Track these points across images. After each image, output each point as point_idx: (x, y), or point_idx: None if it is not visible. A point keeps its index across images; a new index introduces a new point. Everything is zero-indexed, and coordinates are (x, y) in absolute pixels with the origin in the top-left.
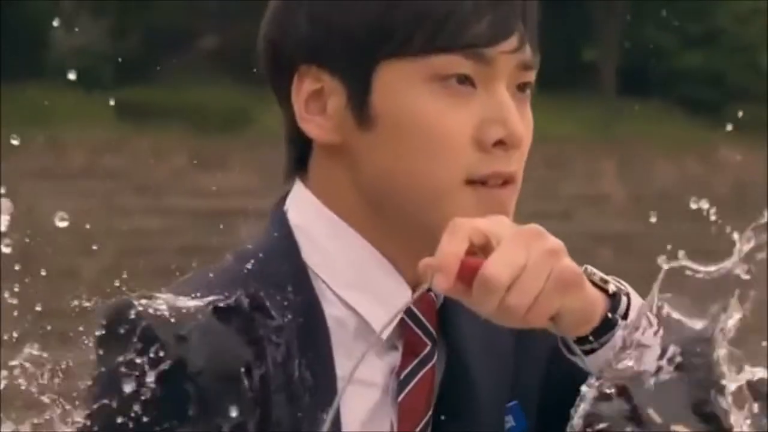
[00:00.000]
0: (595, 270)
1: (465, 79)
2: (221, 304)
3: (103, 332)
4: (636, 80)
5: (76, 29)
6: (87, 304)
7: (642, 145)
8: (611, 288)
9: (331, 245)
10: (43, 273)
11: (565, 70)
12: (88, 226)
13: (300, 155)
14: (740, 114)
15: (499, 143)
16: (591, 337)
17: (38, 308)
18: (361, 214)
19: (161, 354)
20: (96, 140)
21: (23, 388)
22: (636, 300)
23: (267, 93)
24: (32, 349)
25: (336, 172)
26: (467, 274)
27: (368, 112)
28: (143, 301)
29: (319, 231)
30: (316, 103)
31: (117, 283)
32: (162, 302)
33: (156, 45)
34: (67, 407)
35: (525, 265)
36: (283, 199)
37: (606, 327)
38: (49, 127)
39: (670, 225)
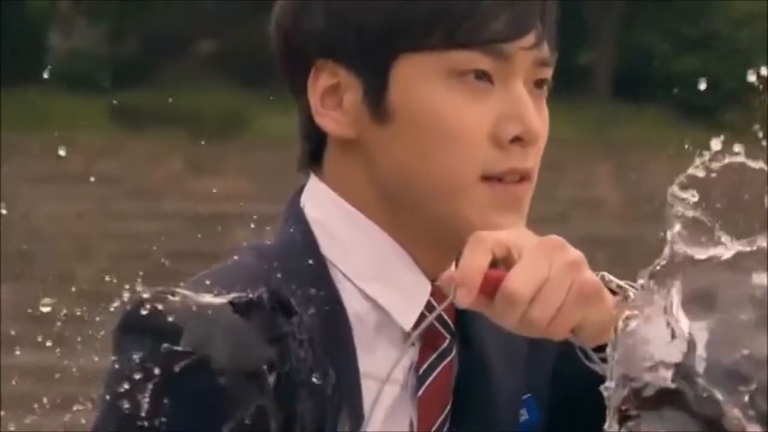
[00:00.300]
0: (611, 277)
1: (483, 75)
2: (243, 301)
3: (124, 327)
4: (632, 84)
5: (74, 33)
6: (82, 307)
7: (638, 148)
8: (629, 295)
9: (350, 238)
10: (39, 276)
11: (560, 74)
12: (83, 230)
13: (315, 150)
14: (736, 118)
15: (516, 139)
16: (609, 345)
17: (32, 311)
18: (377, 207)
19: (184, 350)
20: (92, 144)
21: (18, 389)
22: None
23: (263, 98)
24: (27, 351)
25: (351, 167)
26: (490, 287)
27: (385, 107)
28: (166, 297)
29: (338, 224)
30: (333, 97)
31: (112, 287)
32: (184, 298)
33: (153, 49)
34: (60, 410)
35: (547, 277)
36: (298, 194)
37: None
38: (45, 131)
39: (665, 229)
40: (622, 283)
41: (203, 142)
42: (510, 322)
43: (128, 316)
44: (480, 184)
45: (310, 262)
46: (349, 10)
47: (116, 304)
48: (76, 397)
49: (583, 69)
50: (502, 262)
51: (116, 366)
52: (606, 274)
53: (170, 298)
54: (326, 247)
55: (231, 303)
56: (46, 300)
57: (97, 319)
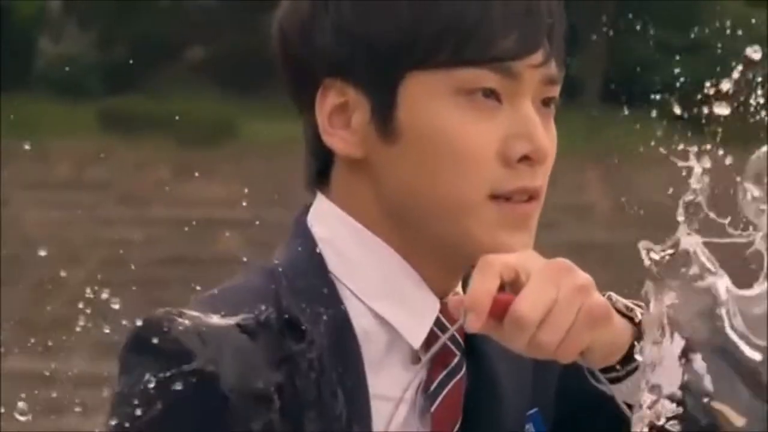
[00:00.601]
0: (618, 297)
1: (491, 93)
2: (250, 322)
3: (131, 348)
4: (621, 91)
5: (63, 39)
6: (69, 312)
7: (626, 155)
8: (636, 315)
9: (358, 255)
10: (27, 282)
11: None
12: (72, 235)
13: (322, 168)
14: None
15: (525, 158)
16: (617, 366)
17: (22, 316)
18: (385, 225)
19: (191, 372)
20: (81, 150)
21: (7, 394)
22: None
23: (252, 105)
24: (17, 356)
25: (359, 186)
26: (498, 310)
27: (393, 126)
28: (173, 318)
29: (345, 242)
30: (341, 116)
31: (101, 292)
32: (192, 319)
33: (142, 56)
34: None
35: (555, 301)
36: (304, 212)
37: (632, 355)
38: (35, 137)
39: (655, 235)
40: (629, 303)
41: (192, 149)
42: (519, 346)
43: (135, 336)
44: (488, 203)
45: (319, 280)
46: (357, 28)
47: (115, 306)
48: (65, 402)
49: (572, 75)
50: (510, 286)
51: (123, 386)
52: (613, 294)
53: (177, 319)
54: (334, 265)
55: (238, 325)
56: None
57: (86, 324)
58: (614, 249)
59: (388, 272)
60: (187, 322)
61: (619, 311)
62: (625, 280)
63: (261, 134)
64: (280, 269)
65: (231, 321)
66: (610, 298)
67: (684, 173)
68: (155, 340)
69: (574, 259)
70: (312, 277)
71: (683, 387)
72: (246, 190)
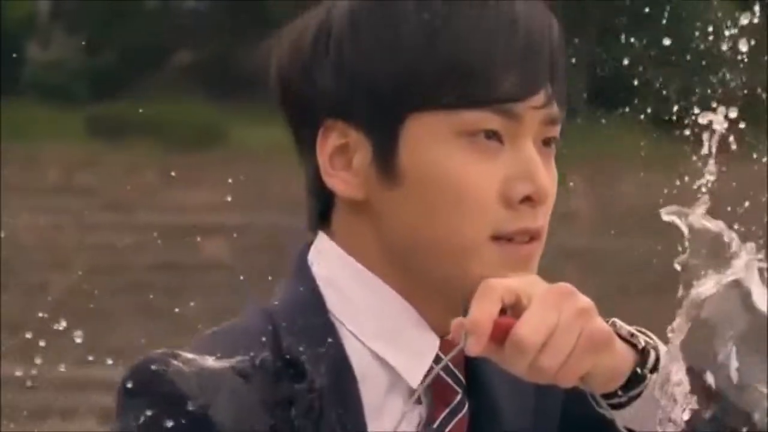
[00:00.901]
0: (622, 324)
1: (492, 134)
2: (246, 365)
3: (127, 390)
4: (605, 96)
5: (51, 44)
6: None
7: (610, 160)
8: (640, 342)
9: (359, 296)
10: (15, 287)
11: None
12: (59, 241)
13: (323, 208)
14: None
15: (526, 199)
16: (620, 392)
17: (8, 320)
18: (386, 266)
19: (186, 414)
20: (68, 155)
21: None
22: (665, 353)
23: (239, 110)
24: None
25: (360, 227)
26: (499, 334)
27: (394, 168)
28: (169, 360)
29: (346, 282)
30: (342, 158)
31: (88, 298)
32: (187, 361)
33: (129, 61)
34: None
35: (556, 325)
36: (305, 251)
37: (634, 381)
38: (22, 142)
39: (638, 241)
40: (633, 329)
41: (179, 154)
42: (519, 369)
43: (131, 378)
44: (490, 245)
45: (318, 320)
46: (359, 69)
47: (101, 311)
48: (51, 407)
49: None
50: (511, 309)
51: (119, 429)
52: (617, 320)
53: (172, 361)
54: (334, 305)
55: (233, 367)
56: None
57: (73, 328)
58: (597, 254)
59: (388, 313)
60: (181, 364)
61: (622, 337)
62: (608, 285)
63: (248, 140)
64: (279, 309)
65: (226, 363)
66: (614, 324)
67: (675, 180)
68: (150, 382)
69: (557, 264)
70: (312, 316)
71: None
72: (233, 196)
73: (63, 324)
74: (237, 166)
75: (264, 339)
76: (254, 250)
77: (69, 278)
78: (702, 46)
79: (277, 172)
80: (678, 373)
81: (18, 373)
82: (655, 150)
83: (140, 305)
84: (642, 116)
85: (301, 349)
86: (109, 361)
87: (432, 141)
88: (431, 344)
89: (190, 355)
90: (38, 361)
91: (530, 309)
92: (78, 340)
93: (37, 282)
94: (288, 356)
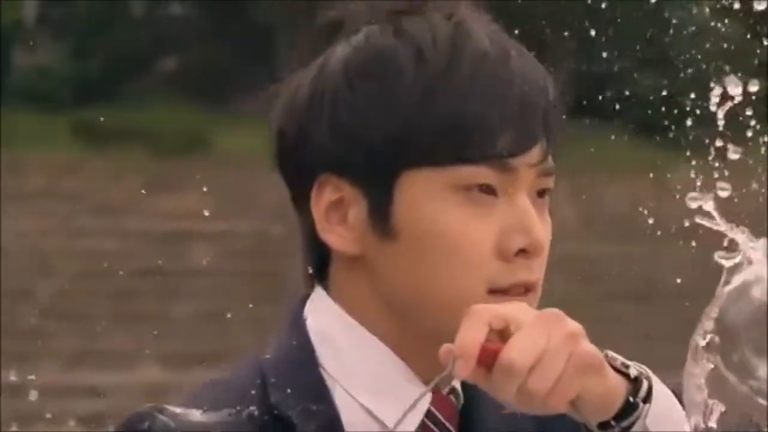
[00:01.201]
0: (616, 355)
1: (487, 188)
2: (233, 419)
3: None
4: (589, 104)
5: (37, 51)
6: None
7: (594, 169)
8: (633, 372)
9: (352, 353)
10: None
11: None
12: (45, 246)
13: (319, 263)
14: (691, 137)
15: (522, 252)
16: (612, 422)
17: None
18: (383, 320)
19: None
20: (54, 161)
21: None
22: (658, 385)
23: (224, 116)
24: None
25: (357, 281)
26: (487, 359)
27: (390, 223)
28: (155, 414)
29: (340, 338)
30: (337, 212)
31: (74, 303)
32: (174, 416)
33: (115, 68)
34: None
35: (545, 348)
36: (301, 304)
37: (627, 411)
38: (8, 148)
39: (622, 249)
40: (627, 362)
41: (164, 160)
42: (508, 394)
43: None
44: (486, 298)
45: (310, 375)
46: (354, 125)
47: (88, 316)
48: (37, 413)
49: None
50: (499, 335)
51: None
52: (609, 351)
53: (159, 416)
54: (326, 361)
55: (219, 422)
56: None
57: (59, 334)
58: (581, 263)
59: (381, 370)
60: (168, 419)
61: (615, 368)
62: (592, 293)
63: (233, 146)
64: (271, 363)
65: (213, 418)
66: (606, 355)
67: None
68: None
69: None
70: (302, 372)
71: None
72: (218, 201)
73: (49, 329)
74: (221, 172)
75: (253, 392)
76: (238, 256)
77: (55, 283)
78: (685, 56)
79: (261, 178)
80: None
81: (4, 379)
82: (641, 158)
83: (126, 311)
84: (627, 124)
85: (290, 404)
86: (95, 367)
87: (427, 196)
88: (423, 399)
89: (177, 410)
90: (25, 366)
91: (519, 333)
92: (64, 345)
93: (23, 287)
94: (276, 411)
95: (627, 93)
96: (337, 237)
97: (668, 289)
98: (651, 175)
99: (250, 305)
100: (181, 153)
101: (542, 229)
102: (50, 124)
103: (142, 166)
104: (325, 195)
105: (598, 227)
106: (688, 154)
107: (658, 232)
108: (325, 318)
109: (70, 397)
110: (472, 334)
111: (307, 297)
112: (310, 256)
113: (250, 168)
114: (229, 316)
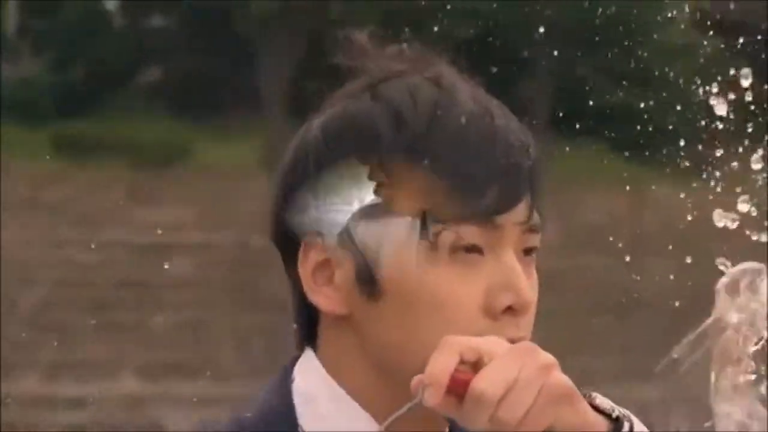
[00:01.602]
0: (599, 395)
1: (473, 248)
2: None
3: None
4: (567, 119)
5: (18, 62)
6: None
7: (573, 183)
8: (615, 413)
9: (334, 417)
10: None
11: None
12: (25, 258)
13: (308, 325)
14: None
15: (509, 309)
16: None
17: None
18: (368, 379)
19: None
20: (35, 172)
21: None
22: (639, 426)
23: (204, 128)
24: None
25: (344, 341)
26: (458, 388)
27: (376, 283)
28: None
29: (324, 402)
30: (323, 273)
31: (54, 314)
32: None
33: (96, 79)
34: None
35: (516, 379)
36: (291, 365)
37: None
38: None
39: (600, 263)
40: (611, 403)
41: (145, 172)
42: (478, 424)
43: None
44: None
45: None
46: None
47: (67, 327)
48: (17, 424)
49: (520, 104)
50: (472, 367)
51: None
52: (593, 393)
53: None
54: (307, 422)
55: None
56: None
57: (39, 345)
58: (560, 276)
59: None
60: None
61: (595, 407)
62: (571, 304)
63: (214, 158)
64: (251, 423)
65: None
66: (589, 396)
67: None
68: None
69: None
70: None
71: None
72: (198, 214)
73: (29, 340)
74: (203, 183)
75: None
76: (218, 267)
77: (36, 294)
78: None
79: (242, 189)
80: None
81: None
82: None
83: (106, 322)
84: (604, 139)
85: None
86: (75, 377)
87: (413, 256)
88: None
89: None
90: (4, 377)
91: (491, 364)
92: (44, 356)
93: (4, 298)
94: None
95: (608, 108)
96: (324, 297)
97: (647, 301)
98: (628, 188)
99: (230, 316)
100: (162, 164)
101: (529, 287)
102: (32, 136)
103: (124, 177)
104: (311, 256)
105: (578, 242)
106: (668, 170)
107: (638, 245)
108: (312, 381)
109: (50, 408)
110: (442, 363)
111: (297, 358)
112: (299, 315)
113: (231, 179)
114: (209, 327)
